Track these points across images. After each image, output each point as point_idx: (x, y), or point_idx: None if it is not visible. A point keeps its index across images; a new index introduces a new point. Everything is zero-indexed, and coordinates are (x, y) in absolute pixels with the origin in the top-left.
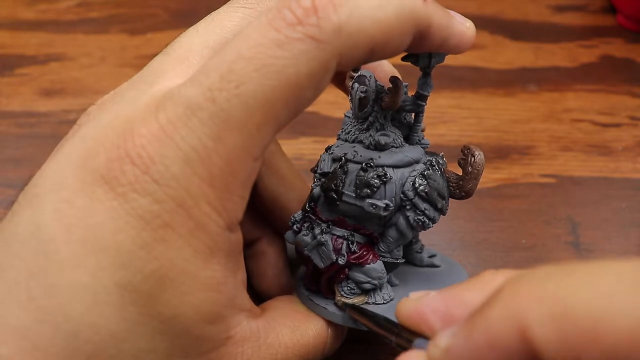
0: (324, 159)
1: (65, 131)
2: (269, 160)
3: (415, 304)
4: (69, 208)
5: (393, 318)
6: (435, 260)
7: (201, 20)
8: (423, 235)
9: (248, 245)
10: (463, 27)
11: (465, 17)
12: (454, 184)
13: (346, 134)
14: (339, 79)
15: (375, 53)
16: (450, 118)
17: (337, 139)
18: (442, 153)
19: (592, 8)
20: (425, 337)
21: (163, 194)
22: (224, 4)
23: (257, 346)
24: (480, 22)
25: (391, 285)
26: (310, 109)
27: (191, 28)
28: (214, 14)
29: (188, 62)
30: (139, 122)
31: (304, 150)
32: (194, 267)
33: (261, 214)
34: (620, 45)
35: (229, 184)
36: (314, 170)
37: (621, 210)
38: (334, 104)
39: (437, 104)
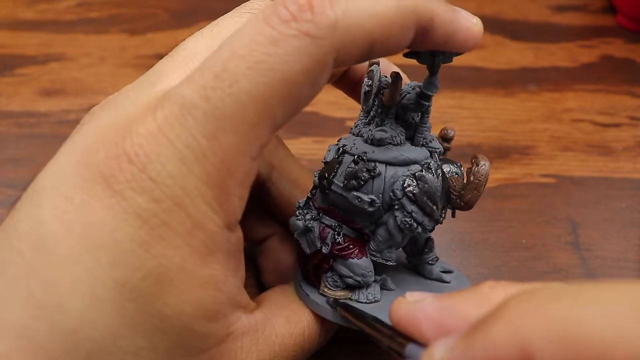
0: (330, 149)
1: (65, 131)
2: (280, 165)
3: (409, 307)
4: (68, 205)
5: (383, 319)
6: (445, 276)
7: (207, 25)
8: None
9: (260, 242)
10: (469, 22)
11: None
12: (456, 193)
13: (355, 127)
14: (348, 85)
15: (374, 49)
16: (450, 118)
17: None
18: (460, 163)
19: (592, 8)
20: (419, 343)
21: (160, 192)
22: (223, 4)
23: (256, 339)
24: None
25: (385, 289)
26: (310, 109)
27: (197, 32)
28: (220, 19)
29: (192, 63)
30: (137, 121)
31: (304, 151)
32: (193, 266)
33: (273, 213)
34: (620, 45)
35: (226, 183)
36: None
37: (621, 210)
38: (334, 104)
39: (437, 104)
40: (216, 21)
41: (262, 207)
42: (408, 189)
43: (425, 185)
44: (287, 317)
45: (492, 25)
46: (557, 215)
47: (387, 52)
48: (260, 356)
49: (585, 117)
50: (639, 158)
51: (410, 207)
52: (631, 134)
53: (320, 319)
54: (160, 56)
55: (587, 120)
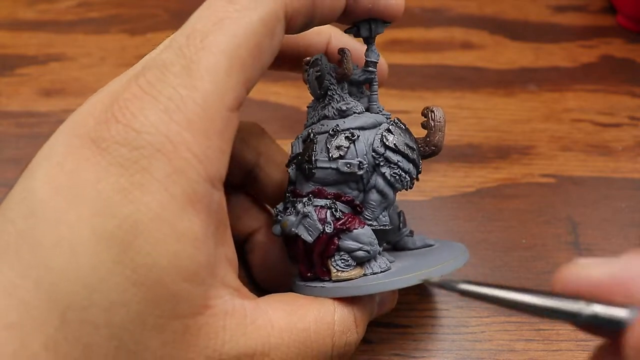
0: (294, 144)
1: None
2: (267, 151)
3: (605, 268)
4: (59, 171)
5: (393, 285)
6: (430, 241)
7: None
8: (422, 234)
9: (247, 239)
10: None
11: (465, 17)
12: (422, 143)
13: (311, 118)
14: (298, 61)
15: (317, 7)
16: (450, 118)
17: (304, 128)
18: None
19: (592, 8)
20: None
21: (142, 140)
22: None
23: (243, 325)
24: (480, 22)
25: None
26: None
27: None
28: None
29: None
30: (122, 90)
31: None
32: (170, 214)
33: (261, 201)
34: (620, 45)
35: (207, 130)
36: (288, 163)
37: (621, 210)
38: None
39: (436, 104)
40: None
41: (248, 199)
42: (387, 142)
43: (401, 134)
44: (290, 312)
45: (492, 25)
46: (557, 215)
47: (328, 13)
48: (248, 344)
49: (585, 117)
50: (639, 158)
51: (395, 157)
52: (631, 134)
53: (332, 316)
54: None
55: (587, 120)
